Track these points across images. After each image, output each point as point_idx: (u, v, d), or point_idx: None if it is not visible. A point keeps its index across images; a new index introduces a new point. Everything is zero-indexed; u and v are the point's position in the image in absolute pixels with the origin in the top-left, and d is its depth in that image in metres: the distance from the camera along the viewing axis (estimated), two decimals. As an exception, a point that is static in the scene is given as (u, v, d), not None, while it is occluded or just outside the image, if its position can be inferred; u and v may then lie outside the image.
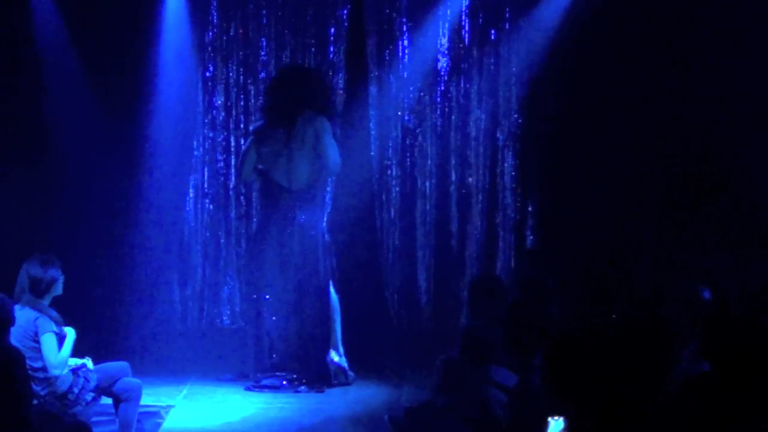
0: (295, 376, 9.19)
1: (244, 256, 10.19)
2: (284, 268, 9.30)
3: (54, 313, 7.43)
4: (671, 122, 9.99)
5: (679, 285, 7.46)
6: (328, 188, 10.14)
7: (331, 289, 9.41)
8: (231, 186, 10.82)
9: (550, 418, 5.24)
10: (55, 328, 7.35)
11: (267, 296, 9.34)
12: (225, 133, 10.75)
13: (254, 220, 10.67)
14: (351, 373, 9.40)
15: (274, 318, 9.32)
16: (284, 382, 9.15)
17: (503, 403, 6.40)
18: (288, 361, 9.26)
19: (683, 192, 9.97)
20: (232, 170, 10.75)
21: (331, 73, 10.62)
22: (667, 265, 9.71)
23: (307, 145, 9.24)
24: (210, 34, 10.66)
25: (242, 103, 10.74)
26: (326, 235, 9.43)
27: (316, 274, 9.30)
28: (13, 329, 6.84)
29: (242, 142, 10.49)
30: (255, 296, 9.47)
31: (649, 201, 10.08)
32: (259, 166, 9.39)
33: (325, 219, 9.53)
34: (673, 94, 9.95)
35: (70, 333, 7.44)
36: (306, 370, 9.20)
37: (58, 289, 7.52)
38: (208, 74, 10.69)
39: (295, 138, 9.23)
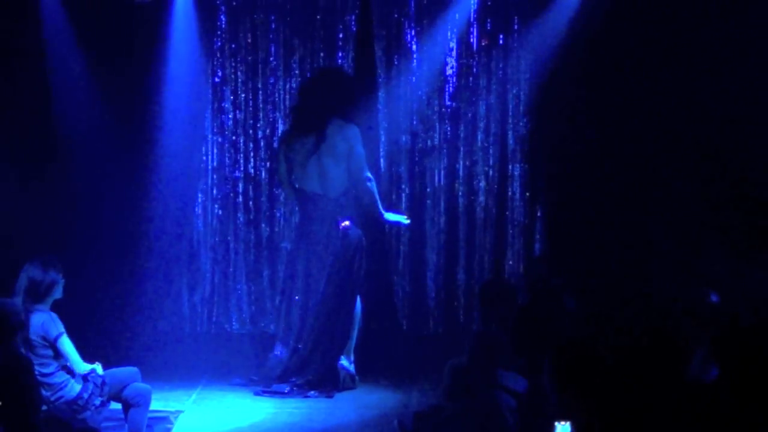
0: (304, 380, 9.17)
1: (285, 259, 10.05)
2: (324, 275, 9.21)
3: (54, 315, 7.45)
4: (681, 125, 9.97)
5: (688, 289, 7.44)
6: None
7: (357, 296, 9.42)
8: (240, 191, 10.84)
9: (556, 423, 5.24)
10: (61, 328, 7.36)
11: (300, 302, 9.29)
12: (234, 139, 10.77)
13: (263, 225, 10.70)
14: (357, 378, 9.41)
15: (305, 323, 9.26)
16: (294, 387, 9.14)
17: (513, 407, 6.39)
18: (300, 365, 9.24)
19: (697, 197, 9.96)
20: (241, 175, 10.77)
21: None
22: (678, 269, 9.69)
23: (339, 155, 9.17)
24: (218, 39, 10.68)
25: (251, 108, 10.76)
26: (364, 240, 9.38)
27: (349, 280, 9.26)
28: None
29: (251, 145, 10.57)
30: (286, 302, 9.41)
31: (659, 205, 10.06)
32: (297, 185, 9.31)
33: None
34: (683, 97, 9.93)
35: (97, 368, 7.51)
36: (316, 375, 9.19)
37: (59, 292, 7.51)
38: (216, 79, 10.71)
39: (326, 148, 9.16)
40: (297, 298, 9.29)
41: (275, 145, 9.99)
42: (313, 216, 9.24)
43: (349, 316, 9.29)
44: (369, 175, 9.27)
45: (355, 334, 9.39)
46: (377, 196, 9.37)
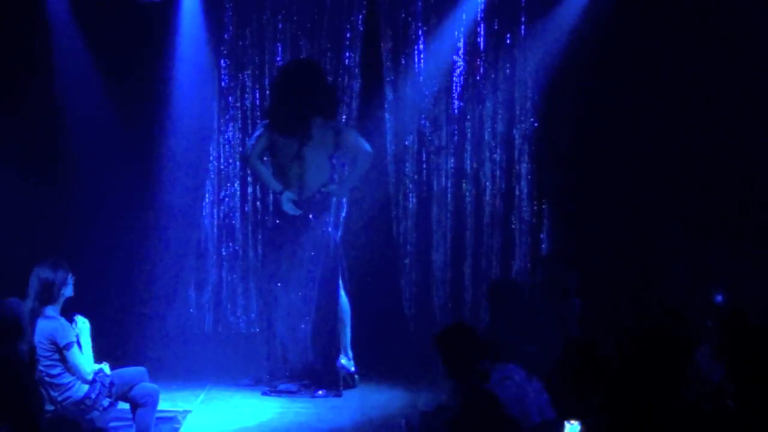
0: (310, 380, 9.18)
1: (260, 262, 10.20)
2: (296, 274, 9.29)
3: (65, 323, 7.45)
4: (689, 124, 9.95)
5: (696, 289, 7.45)
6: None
7: (342, 293, 9.41)
8: (247, 191, 10.84)
9: (566, 422, 5.24)
10: (72, 337, 7.36)
11: (279, 301, 9.33)
12: (241, 138, 10.77)
13: (269, 227, 10.72)
14: (357, 377, 9.42)
15: (286, 323, 9.31)
16: (301, 387, 9.15)
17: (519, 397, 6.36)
18: (301, 365, 9.25)
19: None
20: (249, 176, 10.76)
21: (346, 78, 10.63)
22: (685, 268, 9.68)
23: (324, 149, 9.23)
24: (225, 39, 10.68)
25: (258, 108, 10.75)
26: (338, 240, 9.41)
27: (327, 279, 9.29)
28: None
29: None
30: (267, 302, 9.47)
31: (667, 204, 10.04)
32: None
33: (340, 224, 9.49)
34: (691, 96, 9.92)
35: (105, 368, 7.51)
36: (319, 375, 9.20)
37: (69, 290, 7.53)
38: (223, 79, 10.71)
39: (310, 145, 9.21)
40: (276, 296, 9.33)
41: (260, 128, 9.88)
42: (285, 214, 9.31)
43: (334, 314, 9.30)
44: (368, 149, 9.40)
45: (348, 331, 9.40)
46: (362, 174, 9.55)
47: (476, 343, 6.40)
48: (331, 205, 9.48)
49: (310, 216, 9.29)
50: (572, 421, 5.32)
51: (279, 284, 9.35)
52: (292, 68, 9.68)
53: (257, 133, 9.49)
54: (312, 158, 9.25)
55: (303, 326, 9.28)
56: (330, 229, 9.37)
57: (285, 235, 9.35)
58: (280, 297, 9.35)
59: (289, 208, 9.28)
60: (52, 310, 7.40)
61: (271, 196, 10.72)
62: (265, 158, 9.54)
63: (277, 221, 9.48)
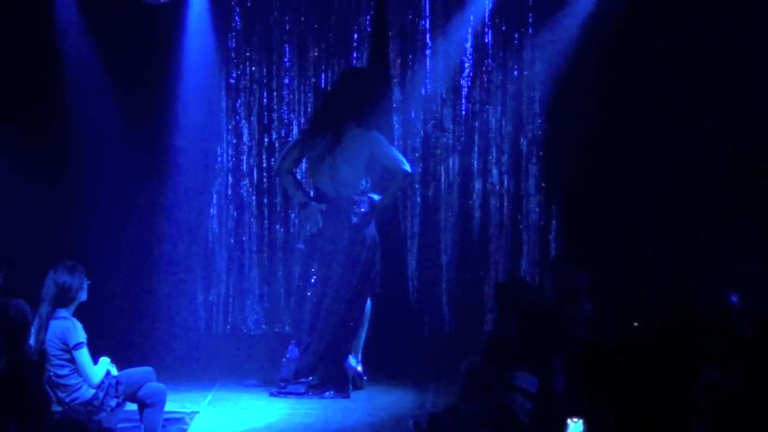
0: (319, 381, 9.16)
1: (299, 262, 10.03)
2: (337, 274, 9.19)
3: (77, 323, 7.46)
4: (697, 125, 9.93)
5: (706, 290, 7.42)
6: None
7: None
8: (255, 191, 10.84)
9: (569, 420, 5.23)
10: (82, 338, 7.37)
11: (312, 301, 9.26)
12: (248, 139, 10.78)
13: (277, 226, 10.70)
14: (365, 378, 9.40)
15: (316, 323, 9.24)
16: (309, 388, 9.13)
17: (527, 409, 6.37)
18: (313, 366, 9.22)
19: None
20: (256, 176, 10.77)
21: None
22: (695, 270, 9.65)
23: (357, 159, 9.11)
24: (233, 40, 10.69)
25: (265, 109, 10.76)
26: (377, 239, 9.34)
27: (364, 280, 9.24)
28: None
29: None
30: (301, 301, 9.39)
31: (676, 205, 10.02)
32: (311, 180, 9.30)
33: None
34: (698, 96, 9.90)
35: (104, 362, 7.49)
36: (326, 375, 9.17)
37: (84, 295, 7.53)
38: (231, 80, 10.72)
39: (342, 150, 9.10)
40: (309, 295, 9.27)
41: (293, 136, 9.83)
42: (325, 214, 9.23)
43: (360, 316, 9.28)
44: (406, 169, 9.19)
45: (363, 334, 9.38)
46: (397, 194, 9.51)
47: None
48: (370, 204, 9.32)
49: (352, 216, 9.17)
50: (575, 419, 5.32)
51: (312, 282, 9.27)
52: (343, 72, 9.77)
53: (289, 145, 9.47)
54: (343, 162, 9.10)
55: (330, 328, 9.21)
56: (372, 231, 9.28)
57: (327, 238, 9.22)
58: (311, 294, 9.27)
59: (312, 221, 9.21)
60: (64, 312, 7.41)
61: (278, 197, 10.74)
62: (295, 169, 9.48)
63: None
